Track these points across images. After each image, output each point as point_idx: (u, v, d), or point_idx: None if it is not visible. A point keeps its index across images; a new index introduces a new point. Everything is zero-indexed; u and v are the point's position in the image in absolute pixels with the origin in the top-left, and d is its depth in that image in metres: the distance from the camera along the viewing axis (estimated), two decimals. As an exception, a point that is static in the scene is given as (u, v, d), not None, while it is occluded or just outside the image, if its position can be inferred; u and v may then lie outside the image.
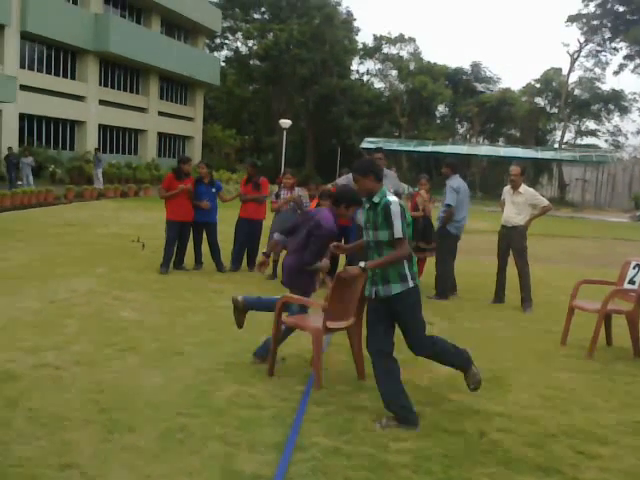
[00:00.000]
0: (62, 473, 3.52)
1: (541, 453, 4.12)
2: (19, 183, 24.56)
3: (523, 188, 8.95)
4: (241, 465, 3.73)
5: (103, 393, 4.73)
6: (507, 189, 9.15)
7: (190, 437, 4.07)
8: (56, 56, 33.48)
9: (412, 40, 55.01)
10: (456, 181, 9.22)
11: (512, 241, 8.94)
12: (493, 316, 8.32)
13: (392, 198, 4.62)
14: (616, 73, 52.74)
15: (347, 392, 5.06)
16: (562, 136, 53.86)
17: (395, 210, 4.51)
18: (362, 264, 4.57)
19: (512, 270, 9.03)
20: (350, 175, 8.75)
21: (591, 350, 6.54)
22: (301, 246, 5.80)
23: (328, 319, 5.18)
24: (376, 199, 4.65)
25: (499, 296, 9.13)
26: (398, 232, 4.47)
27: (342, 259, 10.14)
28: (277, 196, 10.31)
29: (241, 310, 5.81)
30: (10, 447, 3.77)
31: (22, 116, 30.54)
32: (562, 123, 53.68)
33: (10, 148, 25.78)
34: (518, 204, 8.91)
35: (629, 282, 6.87)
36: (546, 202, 9.10)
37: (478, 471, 3.82)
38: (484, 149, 48.13)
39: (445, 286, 9.30)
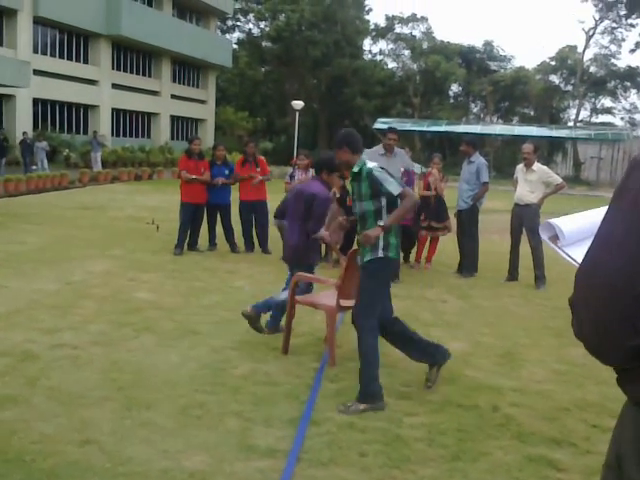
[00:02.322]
0: (81, 449, 3.58)
1: (554, 427, 4.15)
2: (34, 168, 24.70)
3: (536, 166, 8.92)
4: (257, 440, 3.79)
5: (120, 372, 4.80)
6: (520, 167, 9.12)
7: (207, 413, 4.13)
8: (69, 40, 33.49)
9: (424, 19, 54.56)
10: (481, 159, 9.29)
11: (525, 219, 8.92)
12: (506, 294, 8.34)
13: (372, 164, 4.54)
14: (632, 51, 52.07)
15: (361, 369, 5.11)
16: (577, 114, 53.35)
17: (379, 175, 4.44)
18: (381, 222, 4.41)
19: (525, 248, 9.02)
20: (367, 150, 8.69)
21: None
22: (301, 220, 5.82)
23: (341, 297, 5.21)
24: (355, 168, 4.59)
25: (512, 274, 9.13)
26: (396, 189, 4.40)
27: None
28: (291, 177, 10.29)
29: (255, 318, 5.69)
30: (30, 424, 3.85)
31: (36, 101, 30.64)
32: (577, 101, 53.12)
33: (25, 133, 25.88)
34: (531, 182, 8.87)
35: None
36: (559, 180, 9.06)
37: (491, 444, 3.86)
38: (498, 128, 47.73)
39: (476, 260, 9.37)
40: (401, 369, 5.16)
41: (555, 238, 1.57)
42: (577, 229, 1.55)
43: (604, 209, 1.61)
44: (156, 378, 4.70)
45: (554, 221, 1.57)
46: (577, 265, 1.45)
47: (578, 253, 1.47)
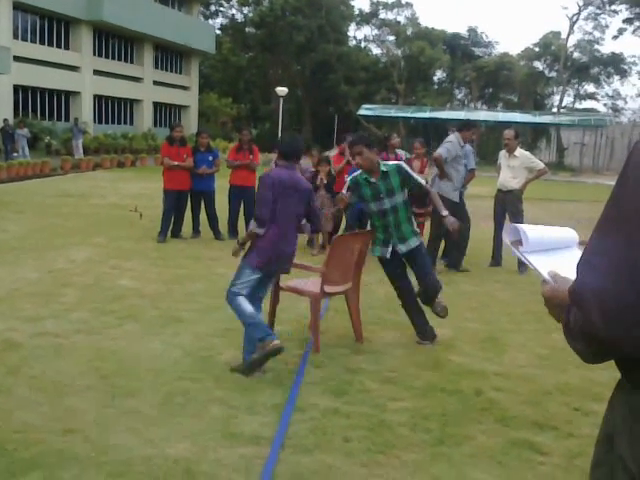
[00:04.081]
0: (64, 438, 3.56)
1: (537, 410, 4.18)
2: (15, 155, 24.43)
3: (518, 152, 8.94)
4: (241, 427, 3.78)
5: (103, 360, 4.78)
6: (503, 153, 9.14)
7: (190, 401, 4.12)
8: (49, 26, 33.09)
9: (409, 5, 54.40)
10: (468, 145, 9.29)
11: (508, 205, 8.95)
12: (490, 279, 8.37)
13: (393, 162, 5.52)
14: (615, 37, 52.20)
15: (345, 355, 5.12)
16: (561, 100, 53.54)
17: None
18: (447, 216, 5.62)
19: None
20: (457, 133, 8.72)
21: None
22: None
23: (326, 283, 5.21)
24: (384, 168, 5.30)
25: (496, 259, 9.17)
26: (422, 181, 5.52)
27: (342, 224, 10.17)
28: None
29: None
30: (13, 414, 3.82)
31: (16, 87, 30.26)
32: (561, 87, 53.30)
33: (5, 120, 25.60)
34: (514, 168, 8.90)
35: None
36: (542, 165, 9.10)
37: (475, 428, 3.88)
38: (482, 114, 47.71)
39: (466, 245, 9.38)
40: (386, 354, 5.18)
41: (518, 243, 1.55)
42: (543, 238, 1.52)
43: (571, 230, 1.60)
44: (139, 366, 4.68)
45: (520, 225, 1.55)
46: (538, 272, 1.44)
47: (540, 262, 1.45)
